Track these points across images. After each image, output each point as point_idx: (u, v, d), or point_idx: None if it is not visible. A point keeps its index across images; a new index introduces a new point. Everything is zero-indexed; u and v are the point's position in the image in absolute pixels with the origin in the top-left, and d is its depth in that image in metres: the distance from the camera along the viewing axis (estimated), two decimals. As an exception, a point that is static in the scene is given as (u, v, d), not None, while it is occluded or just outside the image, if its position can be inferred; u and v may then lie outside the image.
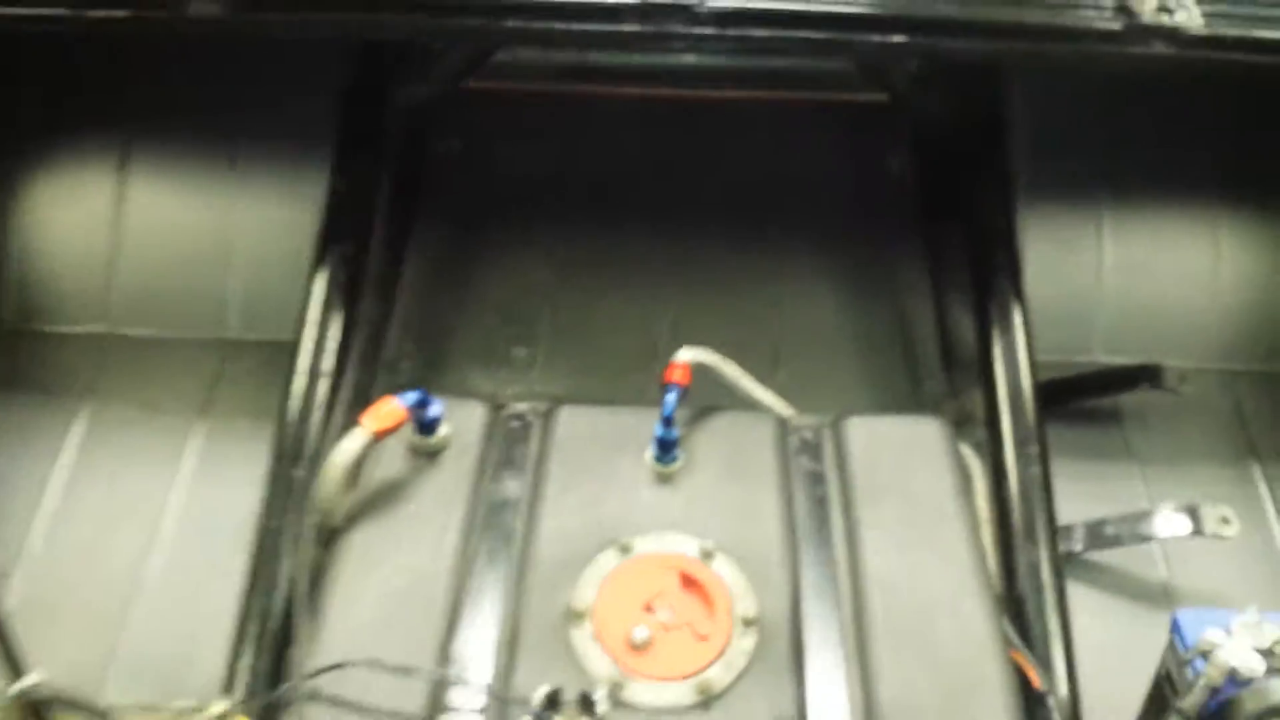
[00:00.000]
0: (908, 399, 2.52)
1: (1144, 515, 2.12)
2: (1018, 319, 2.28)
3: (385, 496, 1.87)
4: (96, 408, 2.42)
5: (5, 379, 2.45)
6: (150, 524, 2.25)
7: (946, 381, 2.52)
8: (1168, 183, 2.60)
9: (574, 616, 1.70)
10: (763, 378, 2.12)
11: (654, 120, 3.05)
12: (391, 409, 1.82)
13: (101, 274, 2.55)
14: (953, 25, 2.01)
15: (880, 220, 2.89)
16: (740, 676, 1.64)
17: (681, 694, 1.62)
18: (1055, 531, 2.04)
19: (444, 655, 1.67)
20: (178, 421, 2.39)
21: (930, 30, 2.01)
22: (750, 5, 1.99)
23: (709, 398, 2.01)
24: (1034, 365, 2.24)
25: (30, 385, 2.45)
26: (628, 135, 3.04)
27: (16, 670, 1.62)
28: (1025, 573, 1.97)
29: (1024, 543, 2.01)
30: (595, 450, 1.96)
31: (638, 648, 1.65)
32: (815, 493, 1.90)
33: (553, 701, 1.53)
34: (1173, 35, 1.96)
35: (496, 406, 2.03)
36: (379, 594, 1.74)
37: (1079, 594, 2.09)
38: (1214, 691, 1.40)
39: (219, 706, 1.70)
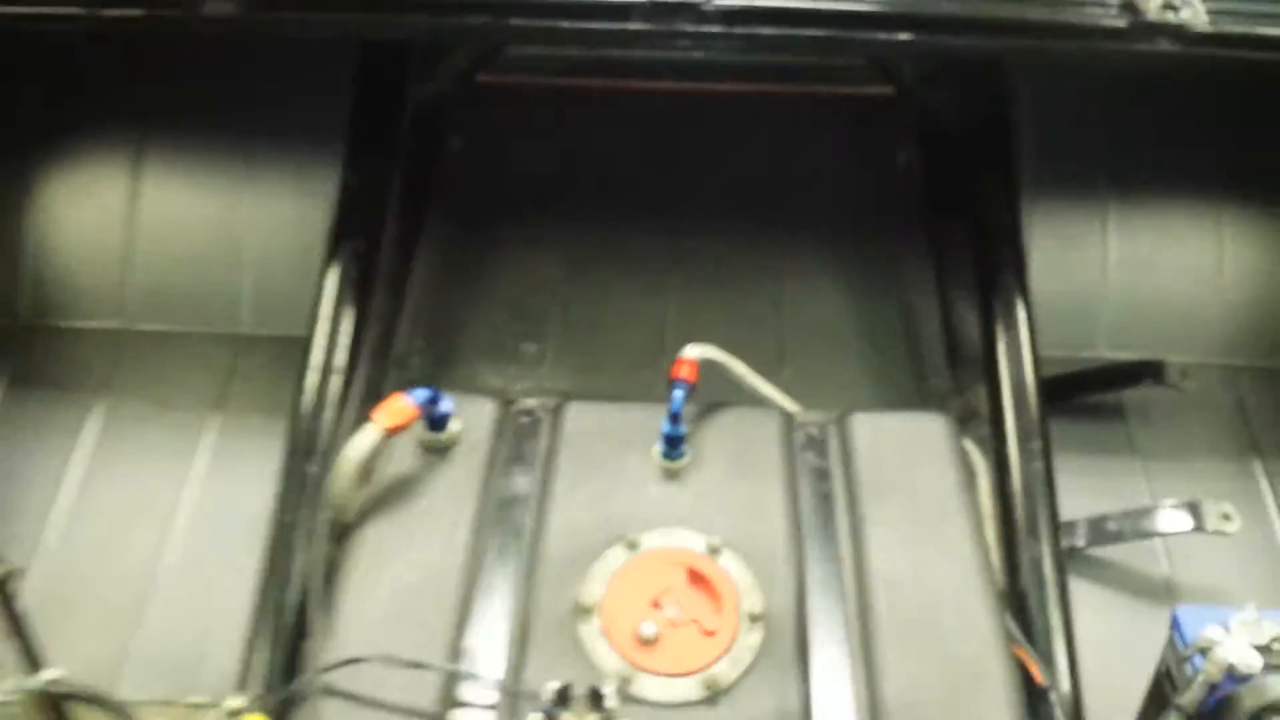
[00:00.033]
0: (913, 395, 2.53)
1: (1146, 511, 2.13)
2: (1022, 315, 2.29)
3: (397, 492, 1.89)
4: (111, 403, 2.44)
5: (21, 375, 2.47)
6: (165, 519, 2.27)
7: (951, 377, 2.52)
8: (1172, 179, 2.61)
9: (583, 612, 1.71)
10: (769, 373, 2.13)
11: (661, 115, 3.06)
12: (403, 406, 1.84)
13: (116, 270, 2.58)
14: (958, 23, 2.01)
15: (886, 215, 2.90)
16: (746, 672, 1.65)
17: (689, 689, 1.63)
18: (1058, 527, 2.06)
19: (455, 650, 1.68)
20: (192, 417, 2.42)
21: (936, 28, 2.01)
22: (757, 3, 2.00)
23: (716, 393, 2.03)
24: (1037, 362, 2.25)
25: (46, 381, 2.47)
26: (635, 130, 3.05)
27: (34, 665, 1.64)
28: (1028, 568, 1.98)
29: (1027, 538, 2.02)
30: (603, 446, 1.97)
31: (645, 643, 1.66)
32: (820, 489, 1.91)
33: (562, 696, 1.54)
34: (1178, 32, 1.96)
35: (506, 402, 2.05)
36: (391, 589, 1.76)
37: (1082, 589, 2.10)
38: (1212, 688, 1.41)
39: (234, 701, 1.71)
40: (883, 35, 2.02)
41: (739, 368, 2.06)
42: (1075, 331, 2.54)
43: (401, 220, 2.66)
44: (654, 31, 2.00)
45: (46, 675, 1.63)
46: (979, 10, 2.01)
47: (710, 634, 1.68)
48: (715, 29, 2.01)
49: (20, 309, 2.57)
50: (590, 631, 1.69)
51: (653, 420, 1.92)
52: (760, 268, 2.78)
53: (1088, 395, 2.44)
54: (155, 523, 2.27)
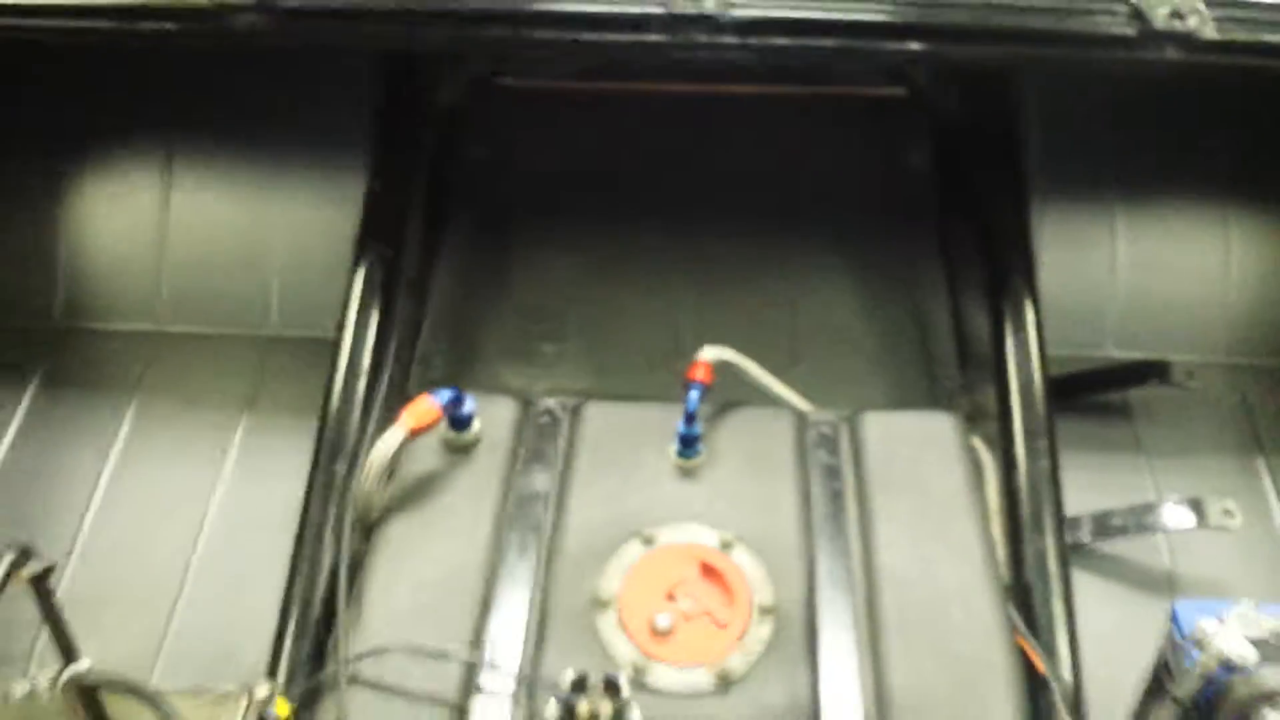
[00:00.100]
0: (923, 394, 2.54)
1: (1150, 507, 2.15)
2: (1030, 317, 2.31)
3: (421, 490, 1.94)
4: (143, 403, 2.48)
5: (57, 376, 2.51)
6: (196, 516, 2.30)
7: (961, 377, 2.54)
8: (1180, 181, 2.61)
9: (599, 605, 1.76)
10: (781, 372, 2.16)
11: (676, 116, 3.08)
12: (427, 407, 1.88)
13: (148, 274, 2.62)
14: (969, 32, 2.03)
15: (897, 216, 2.91)
16: (757, 663, 1.70)
17: (701, 679, 1.68)
18: (1062, 522, 2.08)
19: (476, 641, 1.73)
20: (221, 416, 2.45)
21: (947, 37, 2.04)
22: (771, 14, 2.02)
23: (730, 391, 2.07)
24: (1045, 361, 2.27)
25: (81, 381, 2.51)
26: (649, 131, 3.07)
27: (69, 657, 1.66)
28: (1032, 562, 2.01)
29: (1031, 533, 2.04)
30: (620, 445, 2.01)
31: (660, 635, 1.71)
32: (832, 486, 1.95)
33: (579, 685, 1.58)
34: (1185, 41, 1.97)
35: (526, 402, 2.09)
36: (415, 583, 1.81)
37: (1086, 583, 2.12)
38: (1208, 679, 1.43)
39: (263, 690, 1.74)
40: (894, 45, 2.05)
41: (753, 369, 2.10)
42: (1084, 331, 2.55)
43: (424, 224, 2.70)
44: (671, 43, 2.03)
45: (80, 665, 1.66)
46: (989, 20, 2.02)
47: (722, 626, 1.73)
48: (731, 40, 2.03)
49: (55, 312, 2.61)
50: (607, 623, 1.74)
51: (669, 420, 1.97)
52: (773, 268, 2.81)
53: (1095, 394, 2.46)
54: (187, 519, 2.30)
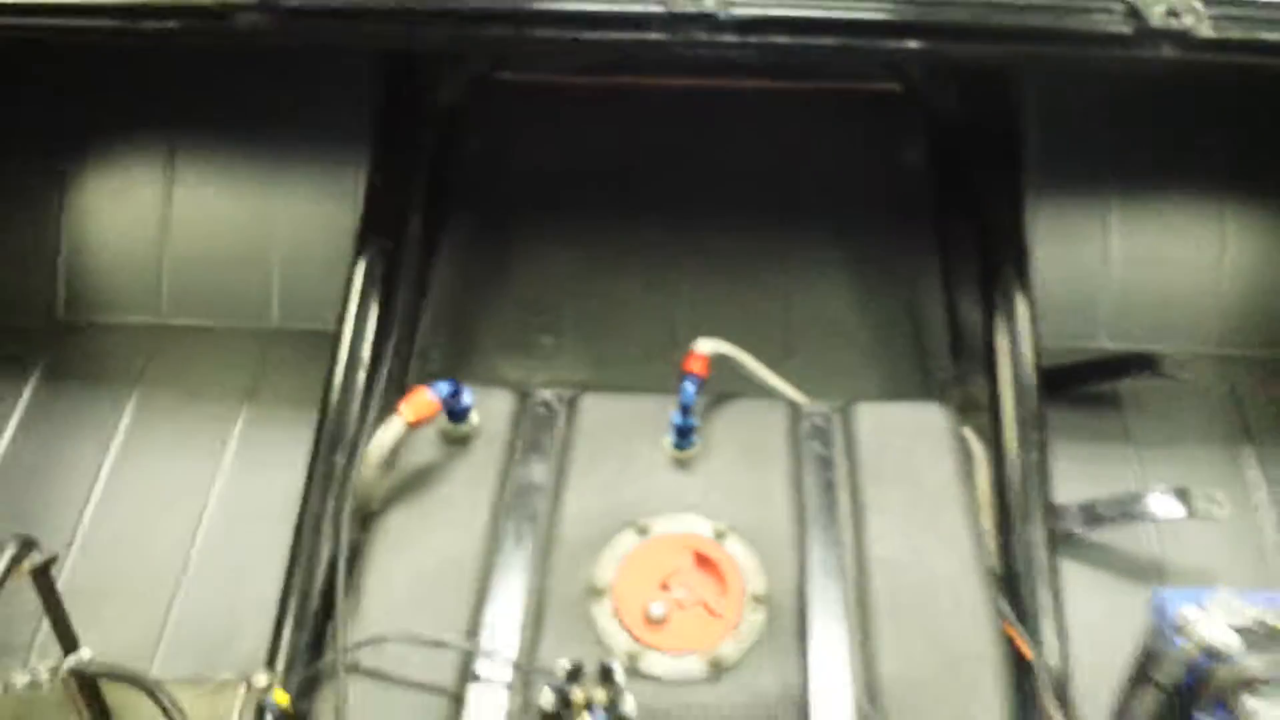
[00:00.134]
0: (916, 385, 2.56)
1: (1138, 496, 2.16)
2: (1022, 310, 2.33)
3: (419, 481, 1.97)
4: (145, 395, 2.48)
5: (59, 369, 2.52)
6: (196, 507, 2.31)
7: (954, 368, 2.55)
8: (1174, 175, 2.62)
9: (595, 593, 1.79)
10: (776, 363, 2.19)
11: (673, 110, 3.08)
12: (426, 400, 1.91)
13: (149, 268, 2.63)
14: (966, 30, 2.04)
15: (892, 210, 2.92)
16: (750, 651, 1.72)
17: (695, 667, 1.70)
18: (1050, 512, 2.11)
19: (473, 630, 1.76)
20: (222, 408, 2.46)
21: (945, 35, 2.05)
22: (771, 13, 2.03)
23: (725, 383, 2.09)
24: (1038, 354, 2.29)
25: (83, 375, 2.52)
26: (648, 126, 3.08)
27: (70, 647, 1.70)
28: (1020, 551, 2.03)
29: (1020, 523, 2.07)
30: (616, 436, 2.04)
31: (654, 623, 1.74)
32: (824, 476, 1.98)
33: (574, 673, 1.61)
34: (1181, 39, 1.97)
35: (523, 394, 2.12)
36: (413, 573, 1.84)
37: (1075, 572, 2.13)
38: (1190, 666, 1.45)
39: (262, 679, 1.79)
40: (893, 43, 2.06)
41: (748, 361, 2.12)
42: (1078, 323, 2.56)
43: (424, 219, 2.71)
44: (671, 41, 2.04)
45: (81, 656, 1.70)
46: (987, 18, 2.03)
47: (716, 615, 1.76)
48: (730, 38, 2.04)
49: (57, 306, 2.63)
50: (602, 612, 1.77)
51: (664, 411, 2.00)
52: (769, 261, 2.82)
53: (1086, 386, 2.47)
54: (187, 510, 2.31)
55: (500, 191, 2.99)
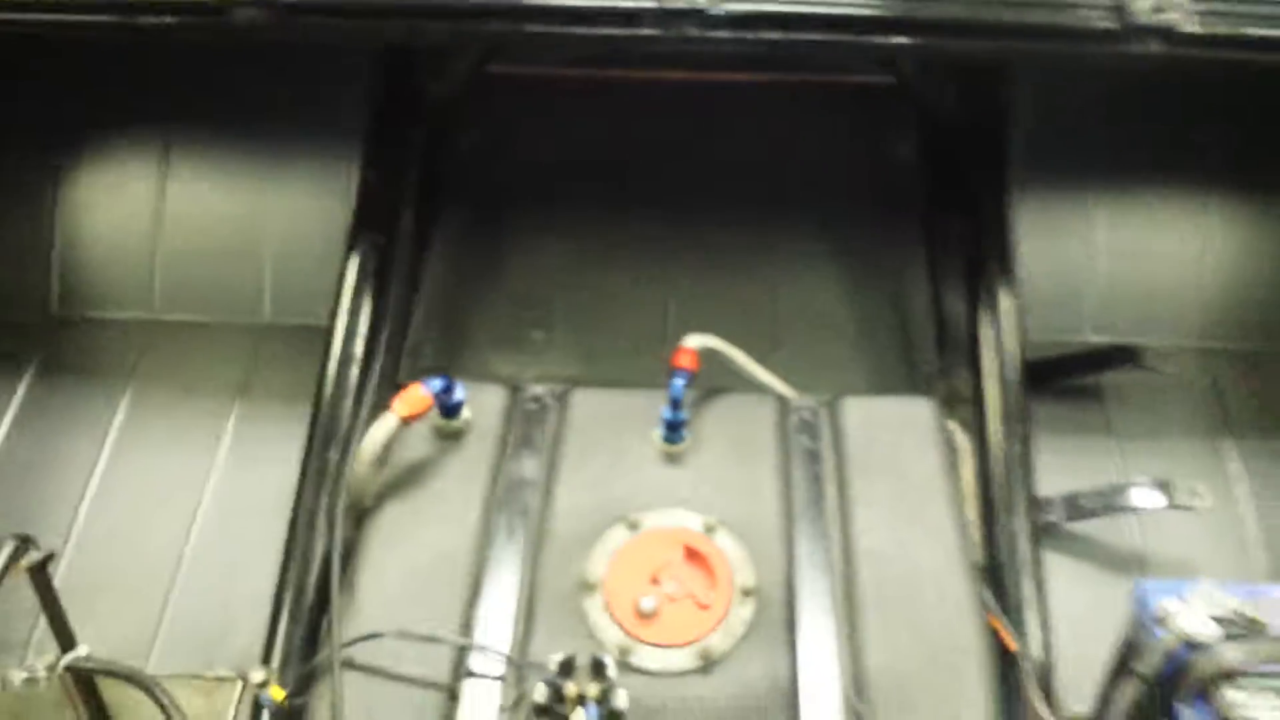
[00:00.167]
0: (902, 378, 2.58)
1: (1120, 488, 2.18)
2: (1007, 304, 2.35)
3: (412, 477, 1.99)
4: (139, 391, 2.49)
5: (53, 365, 2.53)
6: (191, 502, 2.32)
7: (939, 361, 2.57)
8: (1159, 171, 2.64)
9: (586, 587, 1.81)
10: (764, 356, 2.21)
11: (666, 103, 3.08)
12: (419, 395, 1.93)
13: (143, 263, 2.64)
14: (955, 26, 2.05)
15: (881, 203, 2.93)
16: (739, 643, 1.75)
17: (685, 659, 1.73)
18: (1034, 504, 2.13)
19: (467, 624, 1.78)
20: (215, 403, 2.47)
21: (933, 31, 2.06)
22: (762, 8, 2.04)
23: (715, 376, 2.11)
24: (1022, 347, 2.31)
25: (76, 370, 2.52)
26: (640, 119, 3.08)
27: (67, 644, 1.72)
28: (1004, 543, 2.06)
29: (1004, 514, 2.09)
30: (607, 431, 2.07)
31: (645, 617, 1.76)
32: (812, 470, 2.00)
33: (567, 667, 1.63)
34: (1167, 34, 1.99)
35: (514, 390, 2.14)
36: (407, 568, 1.86)
37: (1058, 563, 2.15)
38: (1170, 657, 1.46)
39: (258, 675, 1.81)
40: (882, 38, 2.07)
41: (737, 356, 2.14)
42: (1063, 316, 2.58)
43: (416, 213, 2.72)
44: (663, 36, 2.05)
45: (78, 652, 1.72)
46: (975, 14, 2.04)
47: (705, 608, 1.78)
48: (721, 34, 2.05)
49: (51, 302, 2.63)
50: (593, 606, 1.79)
51: (654, 406, 2.02)
52: (759, 254, 2.83)
53: (1070, 379, 2.49)
54: (182, 505, 2.32)
55: (491, 186, 2.99)
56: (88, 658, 1.73)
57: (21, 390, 2.49)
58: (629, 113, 3.09)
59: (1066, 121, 2.70)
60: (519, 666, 1.72)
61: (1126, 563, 2.22)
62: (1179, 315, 2.60)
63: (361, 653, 1.75)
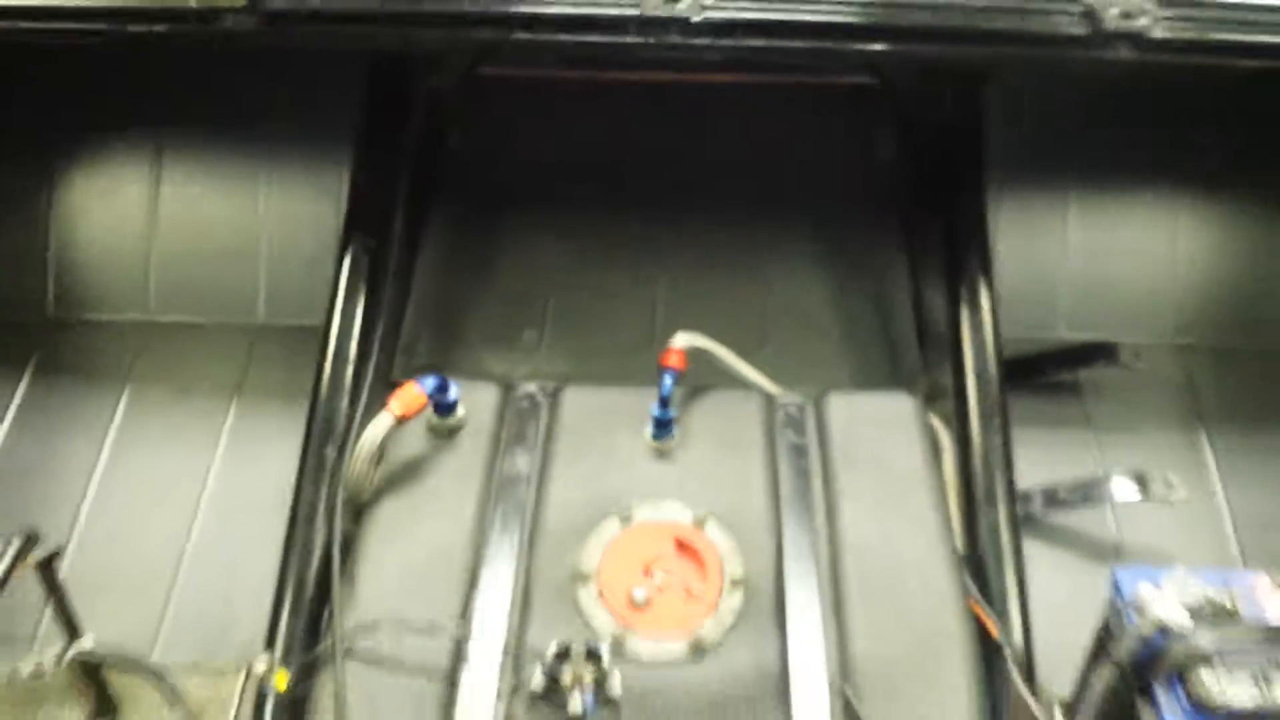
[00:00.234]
0: (885, 374, 2.61)
1: (1097, 480, 2.24)
2: (985, 301, 2.38)
3: (408, 473, 2.03)
4: (136, 392, 2.52)
5: (51, 367, 2.55)
6: (190, 499, 2.35)
7: (921, 358, 2.60)
8: (1131, 173, 2.69)
9: (580, 579, 1.86)
10: (751, 353, 2.25)
11: (655, 104, 3.10)
12: (414, 394, 1.97)
13: (138, 265, 2.66)
14: (931, 33, 2.08)
15: (864, 203, 2.96)
16: (729, 631, 1.80)
17: (677, 648, 1.77)
18: (1014, 495, 2.16)
19: (464, 614, 1.82)
20: (212, 403, 2.50)
21: (911, 38, 2.09)
22: (743, 16, 2.06)
23: (703, 373, 2.16)
24: (999, 343, 2.34)
25: (74, 372, 2.55)
26: (628, 120, 3.10)
27: (73, 635, 1.75)
28: (986, 533, 2.08)
29: (985, 506, 2.12)
30: (598, 428, 2.11)
31: (637, 606, 1.81)
32: (798, 464, 2.05)
33: (562, 655, 1.68)
34: (1136, 40, 2.02)
35: (507, 388, 2.17)
36: (404, 561, 1.90)
37: (1037, 552, 2.21)
38: (1145, 642, 1.50)
39: (262, 664, 1.85)
40: (861, 45, 2.10)
41: (724, 354, 2.19)
42: (1038, 314, 2.64)
43: (408, 214, 2.73)
44: (647, 44, 2.08)
45: (84, 644, 1.75)
46: (950, 20, 2.07)
47: (696, 598, 1.83)
48: (704, 41, 2.07)
49: (48, 304, 2.66)
50: (587, 596, 1.83)
51: (644, 403, 2.06)
52: (745, 254, 2.86)
53: (1048, 375, 2.55)
54: (181, 502, 2.36)
55: (482, 186, 3.01)
56: (94, 649, 1.76)
57: (20, 392, 2.52)
58: (620, 113, 3.11)
59: (1043, 124, 2.76)
60: (516, 655, 1.76)
61: (1103, 551, 2.27)
62: (1153, 312, 2.66)
63: (362, 642, 1.78)
